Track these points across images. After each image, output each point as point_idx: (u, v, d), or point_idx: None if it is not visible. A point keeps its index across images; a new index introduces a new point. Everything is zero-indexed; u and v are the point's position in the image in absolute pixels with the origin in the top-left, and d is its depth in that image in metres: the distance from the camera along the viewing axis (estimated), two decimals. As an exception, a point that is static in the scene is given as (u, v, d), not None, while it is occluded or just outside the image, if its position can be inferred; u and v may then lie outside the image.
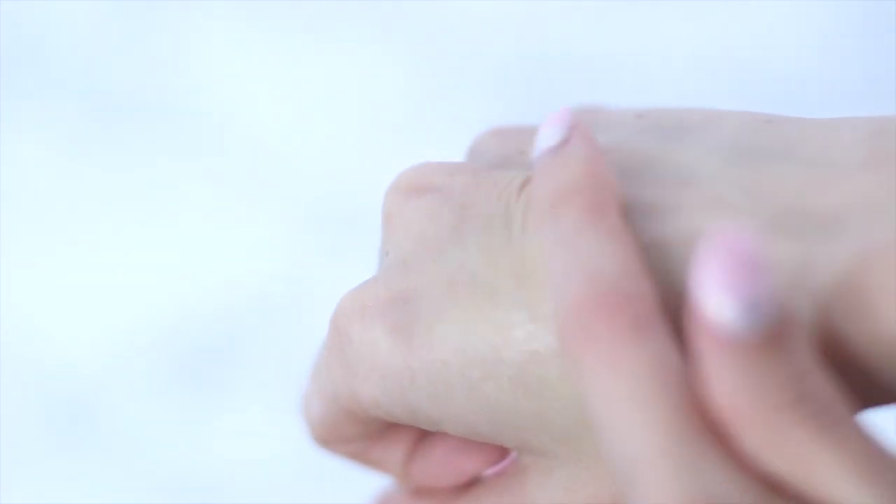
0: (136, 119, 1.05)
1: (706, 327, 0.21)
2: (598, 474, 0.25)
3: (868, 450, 0.21)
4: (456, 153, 1.03)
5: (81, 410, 0.93)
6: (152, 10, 1.10)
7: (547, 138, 0.25)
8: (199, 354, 0.95)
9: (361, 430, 0.29)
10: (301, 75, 1.07)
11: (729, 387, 0.21)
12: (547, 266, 0.24)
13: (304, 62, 1.08)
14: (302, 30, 1.09)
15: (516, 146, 0.28)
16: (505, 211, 0.26)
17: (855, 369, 0.23)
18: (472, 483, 0.29)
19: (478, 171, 0.27)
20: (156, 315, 0.97)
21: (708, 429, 0.21)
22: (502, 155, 0.28)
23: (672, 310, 0.23)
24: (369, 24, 1.09)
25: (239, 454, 0.92)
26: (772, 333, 0.21)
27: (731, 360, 0.21)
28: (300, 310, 0.96)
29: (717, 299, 0.20)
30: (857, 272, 0.22)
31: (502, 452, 0.29)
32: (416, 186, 0.28)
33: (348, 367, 0.27)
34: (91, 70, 1.08)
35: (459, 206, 0.27)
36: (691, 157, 0.25)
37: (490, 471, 0.29)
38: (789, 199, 0.23)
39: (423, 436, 0.29)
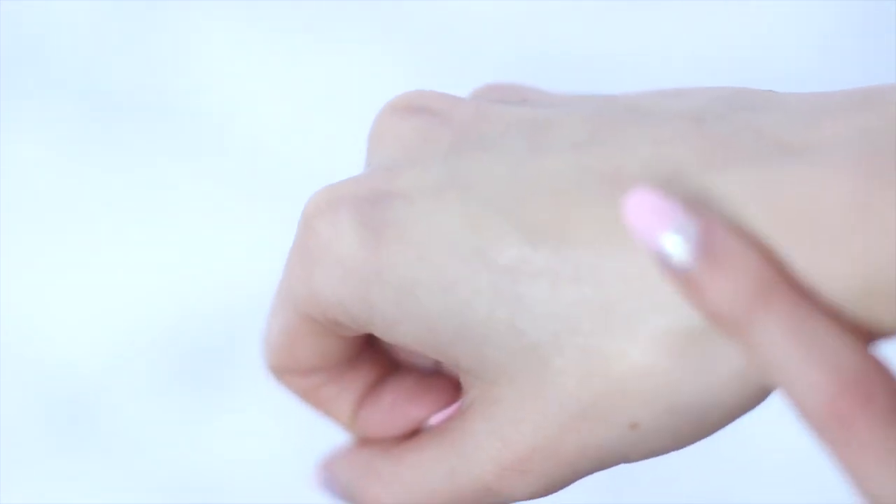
0: (136, 119, 1.05)
1: (673, 278, 0.23)
2: (551, 403, 0.25)
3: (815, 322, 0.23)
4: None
5: (81, 410, 0.93)
6: (152, 10, 1.10)
7: (679, 248, 0.24)
8: (199, 354, 0.95)
9: (318, 352, 0.28)
10: (301, 75, 1.07)
11: (702, 306, 0.23)
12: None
13: (304, 62, 1.08)
14: (302, 30, 1.09)
15: (520, 95, 0.28)
16: (509, 134, 0.25)
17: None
18: (417, 432, 0.28)
19: (480, 104, 0.27)
20: (156, 315, 0.97)
21: None
22: (504, 96, 0.28)
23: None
24: (369, 24, 1.09)
25: (239, 454, 0.92)
26: (707, 257, 0.22)
27: (691, 289, 0.23)
28: (300, 310, 0.97)
29: (646, 241, 0.23)
30: (809, 196, 0.22)
31: (450, 400, 0.29)
32: (415, 107, 0.27)
33: (311, 262, 0.26)
34: (91, 70, 1.08)
35: (460, 128, 0.26)
36: (696, 102, 0.25)
37: (435, 418, 0.28)
38: (780, 133, 0.24)
39: (374, 382, 0.29)
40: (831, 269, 0.22)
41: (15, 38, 1.10)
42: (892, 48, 1.07)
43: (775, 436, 0.92)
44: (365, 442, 0.29)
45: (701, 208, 0.23)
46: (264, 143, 1.04)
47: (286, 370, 0.29)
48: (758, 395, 0.24)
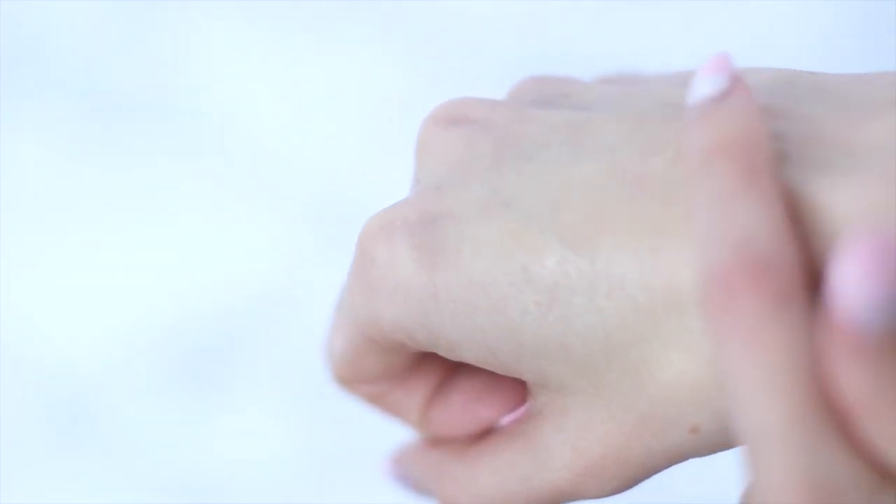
0: (136, 119, 1.05)
1: (840, 322, 0.21)
2: (614, 412, 0.25)
3: None
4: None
5: (81, 410, 0.93)
6: (152, 10, 1.10)
7: (707, 85, 0.24)
8: (199, 354, 0.95)
9: (382, 365, 0.28)
10: (301, 75, 1.07)
11: (856, 381, 0.21)
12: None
13: (304, 62, 1.08)
14: (302, 30, 1.09)
15: (559, 90, 0.28)
16: (548, 141, 0.26)
17: None
18: (488, 432, 0.29)
19: (520, 107, 0.27)
20: (156, 315, 0.97)
21: (830, 414, 0.21)
22: (543, 95, 0.28)
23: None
24: (369, 24, 1.09)
25: (239, 454, 0.92)
26: None
27: (861, 357, 0.21)
28: (300, 310, 0.96)
29: (855, 296, 0.20)
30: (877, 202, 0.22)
31: (518, 400, 0.29)
32: (456, 117, 0.27)
33: (371, 288, 0.27)
34: (91, 70, 1.08)
35: (500, 136, 0.26)
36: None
37: (505, 419, 0.29)
38: (819, 133, 0.24)
39: (442, 382, 0.29)
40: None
41: (15, 37, 1.10)
42: (893, 48, 1.07)
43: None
44: (436, 442, 0.30)
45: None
46: (264, 142, 1.04)
47: (352, 381, 0.29)
48: None
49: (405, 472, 0.30)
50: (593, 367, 0.25)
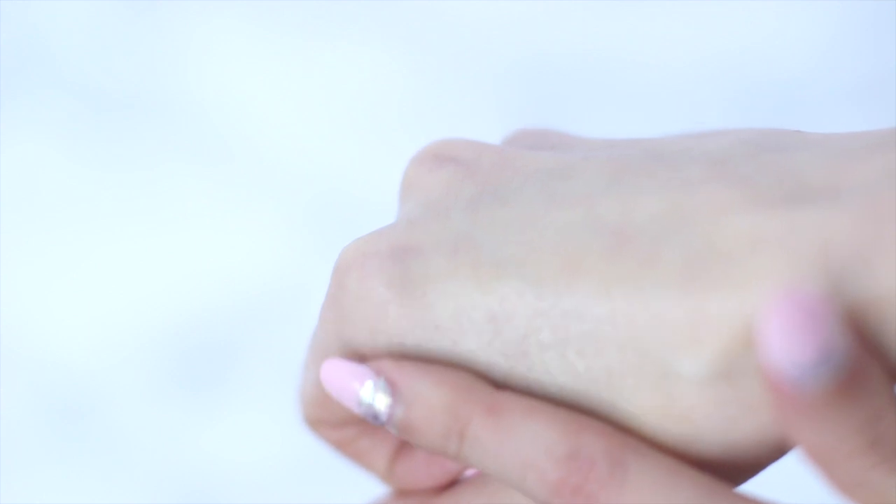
0: (136, 118, 1.05)
1: (776, 382, 0.21)
2: None
3: None
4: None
5: (81, 410, 0.93)
6: (152, 10, 1.10)
7: (380, 402, 0.25)
8: (199, 354, 0.95)
9: (341, 414, 0.28)
10: (301, 75, 1.07)
11: (805, 436, 0.21)
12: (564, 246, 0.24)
13: (304, 62, 1.08)
14: (302, 30, 1.09)
15: (547, 141, 0.28)
16: (526, 185, 0.26)
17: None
18: (453, 483, 0.29)
19: (506, 151, 0.27)
20: (156, 315, 0.97)
21: None
22: (535, 143, 0.28)
23: None
24: (369, 24, 1.09)
25: (238, 454, 0.92)
26: (841, 386, 0.21)
27: (805, 414, 0.21)
28: (300, 310, 0.96)
29: (782, 358, 0.20)
30: (858, 233, 0.22)
31: None
32: (442, 157, 0.27)
33: (342, 317, 0.27)
34: (91, 69, 1.08)
35: (481, 181, 0.26)
36: (719, 145, 0.25)
37: (471, 471, 0.29)
38: (804, 175, 0.23)
39: None
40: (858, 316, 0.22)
41: (15, 37, 1.10)
42: (893, 48, 1.07)
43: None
44: (404, 494, 0.30)
45: (380, 362, 0.25)
46: (264, 142, 1.04)
47: (320, 423, 0.29)
48: (785, 442, 0.24)
49: None
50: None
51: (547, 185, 0.25)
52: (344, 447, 0.30)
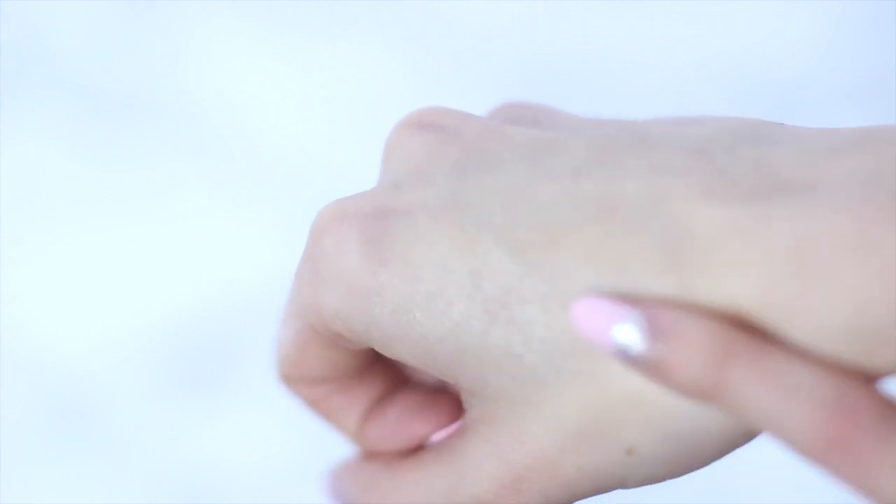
0: (135, 119, 1.05)
1: (639, 369, 0.23)
2: (551, 425, 0.25)
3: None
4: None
5: (81, 410, 0.93)
6: (152, 10, 1.10)
7: (631, 338, 0.25)
8: (199, 354, 0.95)
9: (324, 362, 0.28)
10: (301, 75, 1.07)
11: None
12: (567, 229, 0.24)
13: (304, 62, 1.08)
14: (302, 30, 1.09)
15: (531, 114, 0.28)
16: (512, 157, 0.26)
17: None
18: (418, 448, 0.29)
19: (490, 122, 0.27)
20: (156, 315, 0.97)
21: None
22: (516, 118, 0.28)
23: None
24: (369, 24, 1.09)
25: (238, 454, 0.92)
26: (658, 330, 0.23)
27: (659, 372, 0.23)
28: (300, 310, 0.97)
29: (613, 352, 0.23)
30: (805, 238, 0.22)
31: (452, 418, 0.29)
32: (426, 123, 0.28)
33: (317, 275, 0.27)
34: (91, 69, 1.08)
35: (466, 146, 0.27)
36: (701, 132, 0.26)
37: (437, 436, 0.29)
38: (781, 169, 0.24)
39: (382, 397, 0.29)
40: (821, 308, 0.22)
41: (15, 37, 1.10)
42: (893, 48, 1.07)
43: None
44: (370, 455, 0.30)
45: (640, 300, 0.24)
46: (264, 142, 1.04)
47: (296, 379, 0.29)
48: (752, 430, 0.24)
49: (338, 486, 0.30)
50: (539, 378, 0.25)
51: (533, 158, 0.26)
52: (317, 405, 0.29)
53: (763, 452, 0.92)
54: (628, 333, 0.23)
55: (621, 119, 0.27)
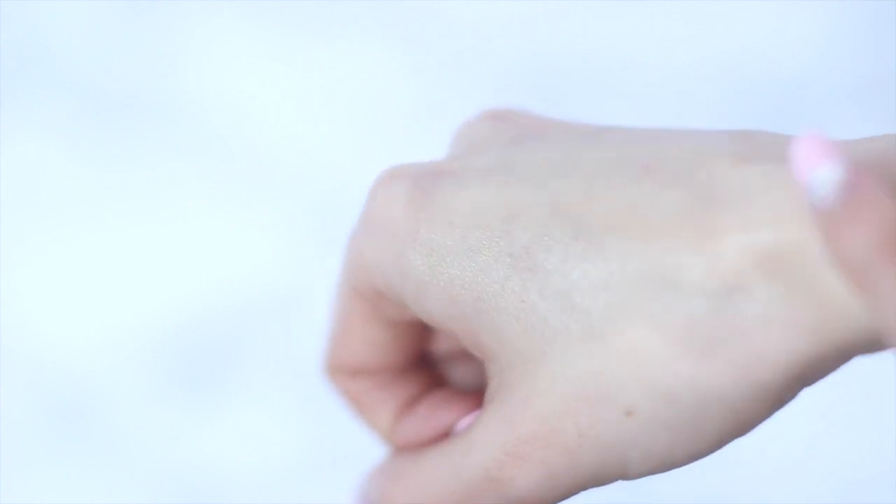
0: (135, 118, 1.05)
1: (816, 216, 0.23)
2: (556, 385, 0.25)
3: None
4: (456, 153, 1.03)
5: (81, 410, 0.93)
6: (152, 10, 1.10)
7: (825, 184, 0.25)
8: (199, 354, 0.95)
9: (367, 340, 0.29)
10: (301, 75, 1.07)
11: (837, 246, 0.23)
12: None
13: (304, 62, 1.08)
14: (302, 30, 1.09)
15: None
16: (567, 136, 0.27)
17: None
18: (445, 436, 0.30)
19: (549, 118, 0.29)
20: (156, 315, 0.97)
21: None
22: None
23: None
24: (369, 24, 1.09)
25: (239, 454, 0.92)
26: (849, 196, 0.23)
27: (830, 224, 0.23)
28: (300, 310, 0.96)
29: (805, 171, 0.23)
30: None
31: (478, 407, 0.29)
32: (492, 114, 0.29)
33: (363, 226, 0.28)
34: (91, 69, 1.08)
35: (524, 126, 0.28)
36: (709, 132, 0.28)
37: (461, 423, 0.29)
38: None
39: (416, 396, 0.30)
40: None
41: (15, 37, 1.10)
42: (893, 48, 1.07)
43: (774, 437, 0.92)
44: (398, 452, 0.30)
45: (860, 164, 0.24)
46: (264, 142, 1.04)
47: (339, 368, 0.30)
48: (762, 396, 0.24)
49: (367, 489, 0.31)
50: (548, 331, 0.25)
51: (586, 136, 0.27)
52: (356, 399, 0.30)
53: (764, 453, 0.92)
54: (824, 179, 0.23)
55: (603, 129, 0.29)
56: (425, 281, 0.27)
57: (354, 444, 0.92)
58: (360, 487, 0.31)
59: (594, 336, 0.25)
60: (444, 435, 0.29)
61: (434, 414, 0.29)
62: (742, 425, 0.25)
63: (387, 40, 1.09)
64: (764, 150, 0.25)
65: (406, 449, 0.30)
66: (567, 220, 0.25)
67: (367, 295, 0.28)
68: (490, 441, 0.26)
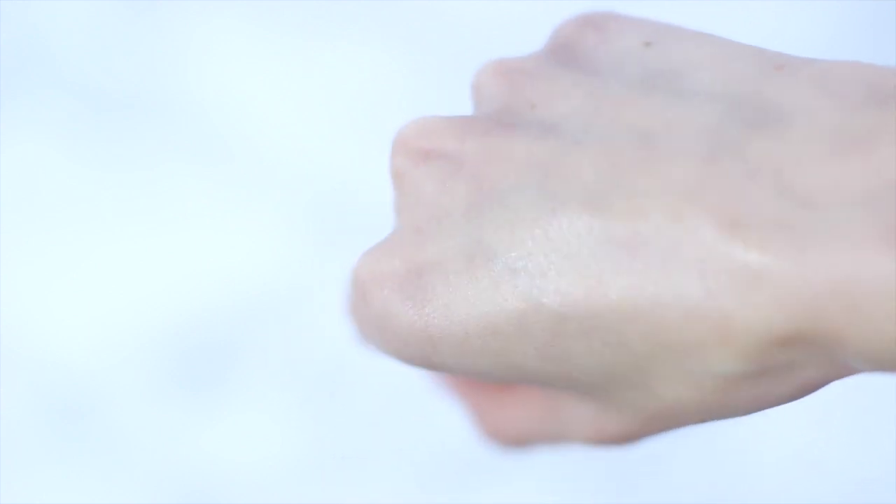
0: (135, 119, 1.05)
1: None
2: (627, 413, 0.27)
3: None
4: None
5: (81, 410, 0.93)
6: (152, 10, 1.10)
7: None
8: (199, 354, 0.95)
9: None
10: (301, 75, 1.07)
11: None
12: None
13: (304, 62, 1.08)
14: (302, 30, 1.09)
15: (526, 98, 0.28)
16: (520, 184, 0.26)
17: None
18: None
19: (488, 133, 0.27)
20: (156, 315, 0.97)
21: None
22: (509, 106, 0.28)
23: None
24: (370, 24, 1.09)
25: (239, 454, 0.92)
26: None
27: None
28: (300, 309, 0.96)
29: None
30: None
31: None
32: (425, 150, 0.28)
33: (373, 328, 0.28)
34: (91, 69, 1.07)
35: (472, 178, 0.27)
36: (710, 119, 0.25)
37: None
38: (792, 180, 0.23)
39: None
40: (872, 334, 0.22)
41: (15, 37, 1.09)
42: (894, 48, 1.07)
43: (775, 438, 0.92)
44: (469, 385, 0.33)
45: None
46: (264, 142, 1.04)
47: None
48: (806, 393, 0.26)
49: (458, 390, 0.33)
50: (599, 387, 0.26)
51: (543, 186, 0.25)
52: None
53: (764, 454, 0.92)
54: None
55: (610, 72, 0.27)
56: (461, 371, 0.27)
57: (354, 444, 0.92)
58: (452, 386, 0.33)
59: (642, 393, 0.26)
60: None
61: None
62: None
63: (387, 40, 1.08)
64: (753, 196, 0.23)
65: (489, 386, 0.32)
66: (575, 312, 0.25)
67: None
68: (578, 437, 0.29)
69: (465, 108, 1.05)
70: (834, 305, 0.22)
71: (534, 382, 0.27)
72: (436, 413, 0.93)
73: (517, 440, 0.31)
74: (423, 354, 0.27)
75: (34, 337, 0.96)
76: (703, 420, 0.26)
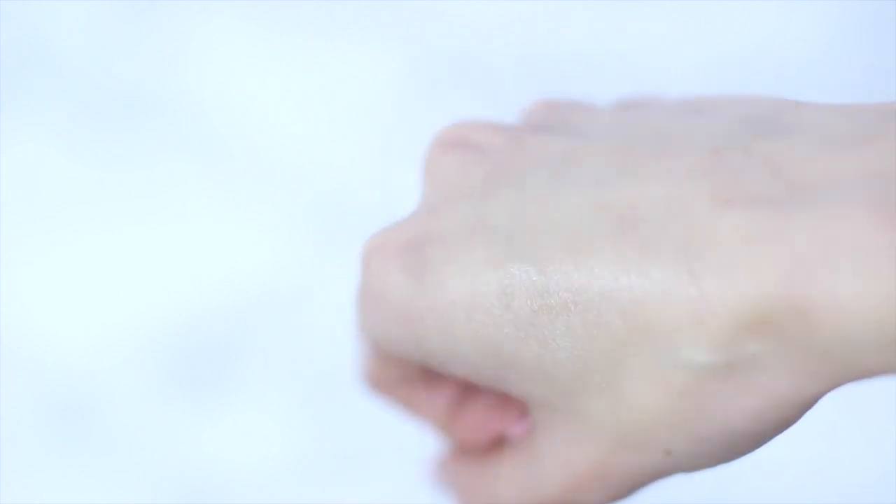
0: (135, 119, 1.05)
1: None
2: (593, 432, 0.26)
3: None
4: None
5: (81, 410, 0.93)
6: (152, 10, 1.10)
7: None
8: (199, 354, 0.95)
9: (400, 367, 0.31)
10: (301, 75, 1.07)
11: None
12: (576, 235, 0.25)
13: (304, 62, 1.08)
14: (302, 30, 1.09)
15: (564, 117, 0.29)
16: (536, 171, 0.27)
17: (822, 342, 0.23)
18: (503, 441, 0.31)
19: (520, 132, 0.28)
20: (156, 315, 0.97)
21: None
22: (547, 121, 0.29)
23: None
24: (369, 24, 1.09)
25: (239, 454, 0.92)
26: None
27: None
28: (300, 310, 0.96)
29: None
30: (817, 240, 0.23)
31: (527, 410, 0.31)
32: (456, 141, 0.29)
33: (368, 302, 0.29)
34: (91, 70, 1.07)
35: (492, 164, 0.28)
36: (718, 126, 0.26)
37: (515, 429, 0.31)
38: (795, 170, 0.24)
39: (465, 391, 0.31)
40: (849, 310, 0.22)
41: (15, 37, 1.09)
42: (893, 48, 1.07)
43: (774, 438, 0.92)
44: (460, 454, 0.32)
45: None
46: (264, 142, 1.04)
47: (378, 384, 0.31)
48: (784, 421, 0.25)
49: (447, 477, 0.32)
50: (570, 389, 0.26)
51: (557, 171, 0.27)
52: (407, 405, 0.32)
53: (764, 454, 0.92)
54: None
55: (645, 111, 0.28)
56: (444, 355, 0.27)
57: (354, 444, 0.92)
58: (441, 473, 0.32)
59: (611, 393, 0.25)
60: (500, 436, 0.31)
61: (489, 416, 0.31)
62: (771, 438, 0.26)
63: (387, 40, 1.09)
64: (749, 176, 0.24)
65: (465, 448, 0.31)
66: (560, 286, 0.25)
67: (391, 356, 0.30)
68: (551, 479, 0.28)
69: (464, 108, 1.05)
70: (814, 271, 0.22)
71: (509, 380, 0.27)
72: (436, 413, 0.93)
73: None
74: (409, 327, 0.27)
75: (34, 337, 0.96)
76: (669, 452, 0.25)
